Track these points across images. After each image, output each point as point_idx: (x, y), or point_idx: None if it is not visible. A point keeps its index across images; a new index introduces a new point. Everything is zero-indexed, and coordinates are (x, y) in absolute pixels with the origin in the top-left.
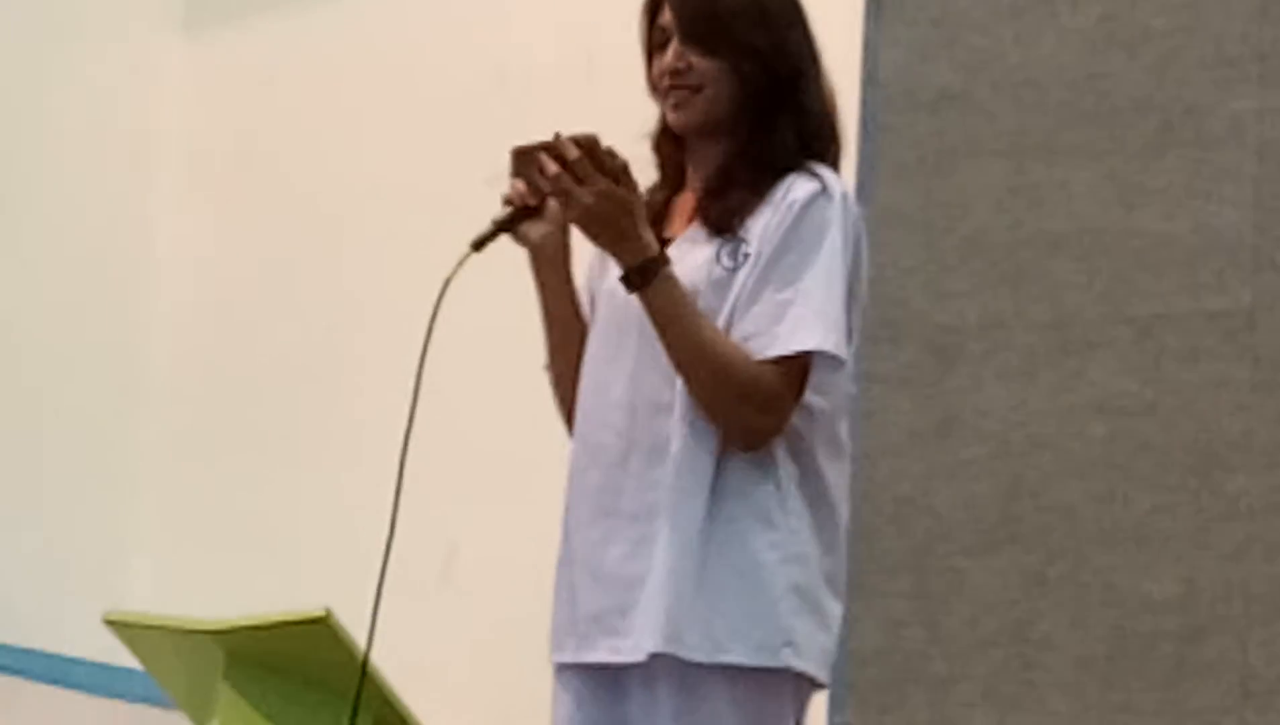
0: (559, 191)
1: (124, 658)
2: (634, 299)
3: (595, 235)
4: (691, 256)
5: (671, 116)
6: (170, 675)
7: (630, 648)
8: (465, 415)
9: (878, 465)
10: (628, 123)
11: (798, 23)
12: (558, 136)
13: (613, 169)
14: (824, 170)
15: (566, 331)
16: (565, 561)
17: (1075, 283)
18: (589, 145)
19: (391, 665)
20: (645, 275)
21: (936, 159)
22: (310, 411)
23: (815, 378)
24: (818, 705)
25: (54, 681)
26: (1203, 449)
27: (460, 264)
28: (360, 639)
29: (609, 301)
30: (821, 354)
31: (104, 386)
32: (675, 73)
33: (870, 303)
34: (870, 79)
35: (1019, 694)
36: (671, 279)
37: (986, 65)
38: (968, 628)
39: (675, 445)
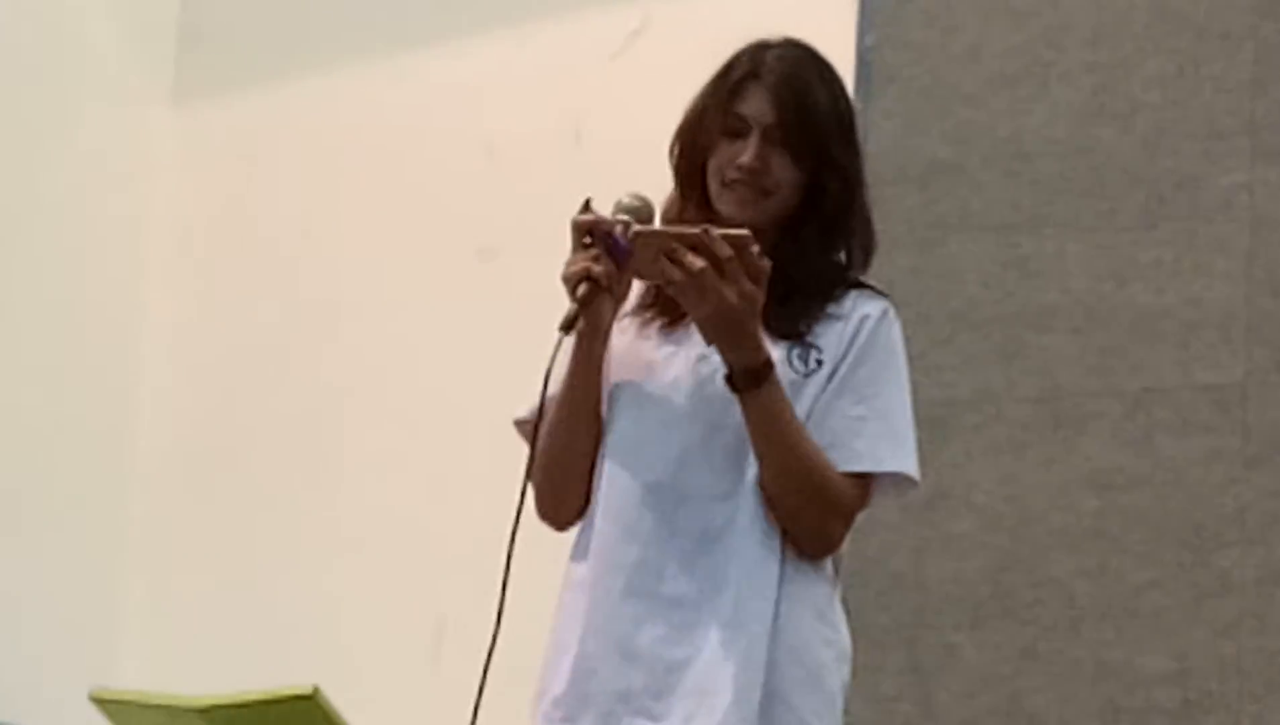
0: (699, 286)
1: None
2: (690, 388)
3: (722, 334)
4: None
5: (729, 210)
6: None
7: None
8: (452, 492)
9: (869, 540)
10: (614, 193)
11: (858, 145)
12: (706, 231)
13: (756, 272)
14: (882, 291)
15: (588, 405)
16: (587, 633)
17: (1067, 356)
18: (742, 245)
19: None
20: (758, 378)
21: (927, 232)
22: (299, 491)
23: (886, 497)
24: None
25: None
26: (1195, 523)
27: (558, 347)
28: (348, 716)
29: (651, 387)
30: (899, 476)
31: (91, 463)
32: (751, 171)
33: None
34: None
35: None
36: (778, 385)
37: (977, 138)
38: (960, 703)
39: (735, 540)
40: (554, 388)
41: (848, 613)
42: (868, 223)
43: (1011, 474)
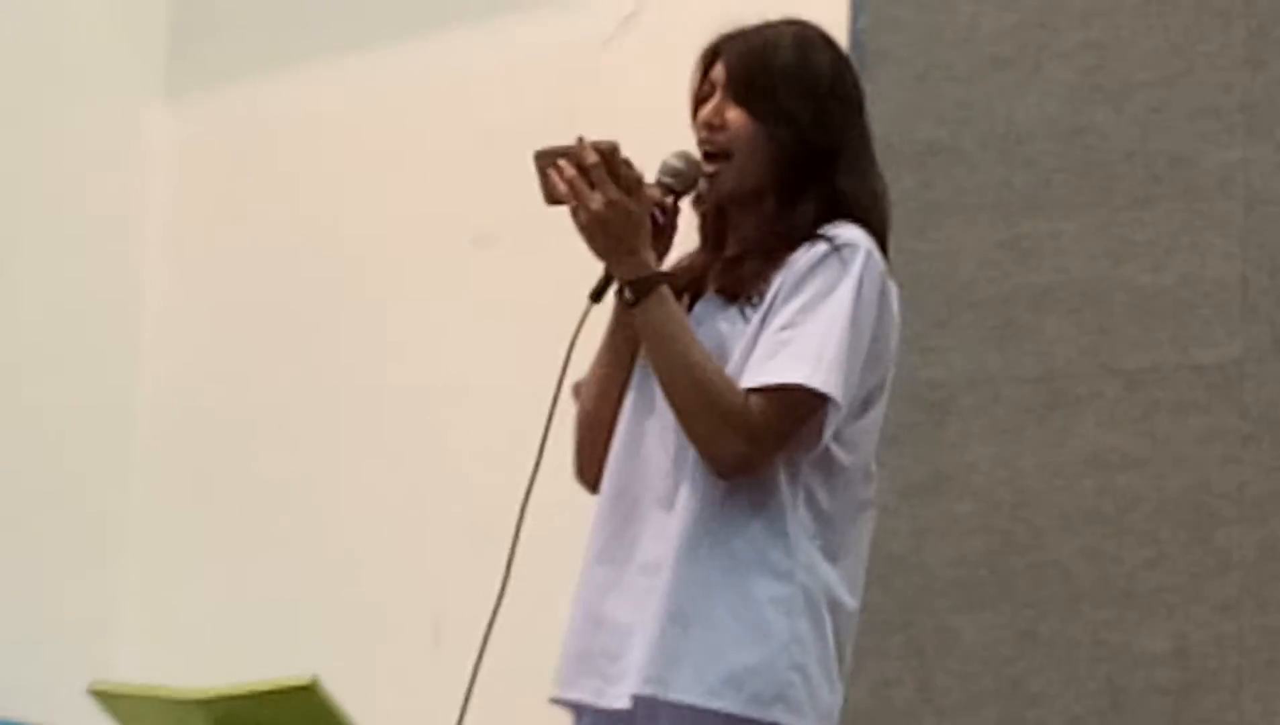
0: (571, 195)
1: None
2: None
3: (597, 244)
4: (712, 319)
5: (706, 189)
6: None
7: (616, 695)
8: (450, 479)
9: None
10: None
11: (848, 100)
12: (580, 140)
13: (627, 180)
14: (843, 228)
15: (619, 368)
16: (573, 599)
17: (1064, 336)
18: (607, 152)
19: None
20: (640, 291)
21: (922, 214)
22: (297, 483)
23: (820, 422)
24: None
25: None
26: (1194, 502)
27: (583, 319)
28: (347, 707)
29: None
30: (815, 392)
31: (90, 454)
32: (708, 126)
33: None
34: None
35: None
36: (668, 299)
37: (972, 119)
38: (960, 685)
39: (683, 504)
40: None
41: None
42: (852, 192)
43: (1010, 455)
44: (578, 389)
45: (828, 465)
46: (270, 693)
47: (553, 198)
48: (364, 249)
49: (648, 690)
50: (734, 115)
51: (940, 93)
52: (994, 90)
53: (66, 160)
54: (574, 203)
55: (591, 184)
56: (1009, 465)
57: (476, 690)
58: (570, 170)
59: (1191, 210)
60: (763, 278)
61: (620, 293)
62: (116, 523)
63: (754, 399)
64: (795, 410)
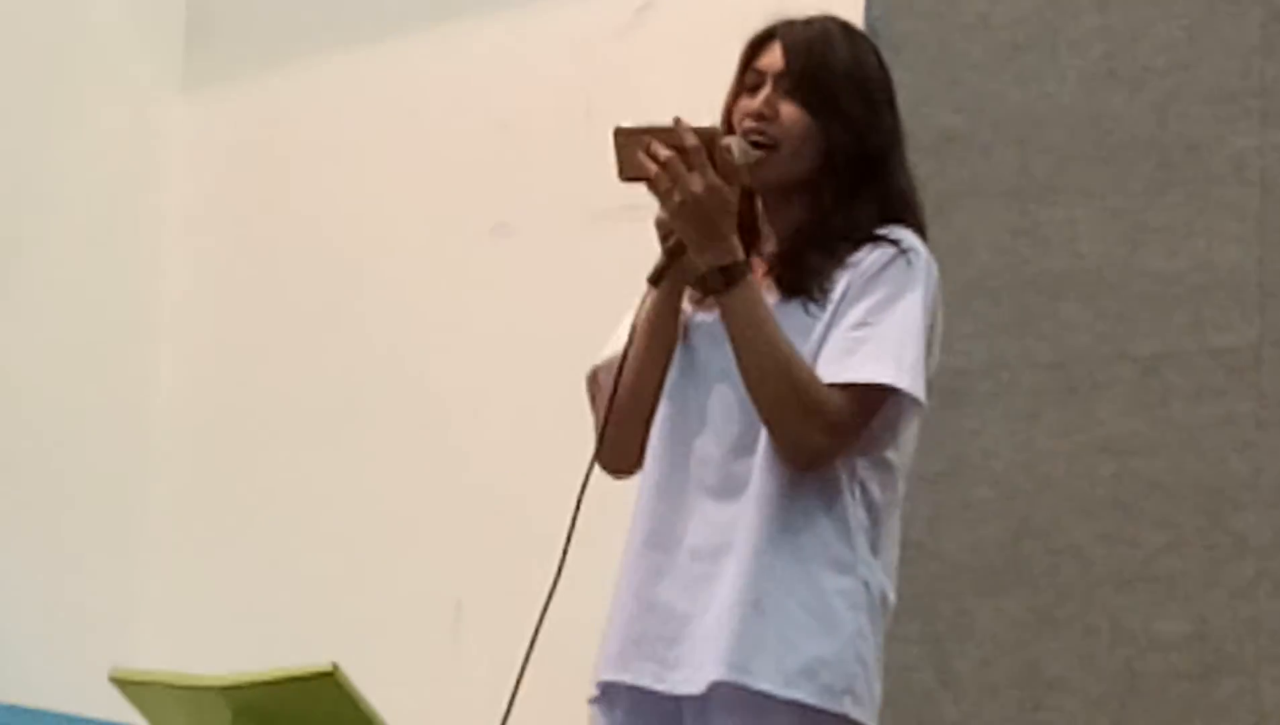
0: (669, 176)
1: (131, 715)
2: (712, 347)
3: (691, 229)
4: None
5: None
6: None
7: (682, 680)
8: (470, 467)
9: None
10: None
11: (891, 103)
12: (678, 122)
13: (725, 166)
14: (903, 232)
15: (664, 349)
16: (618, 585)
17: (1080, 323)
18: (709, 137)
19: (400, 720)
20: (731, 278)
21: (938, 201)
22: (317, 471)
23: (897, 423)
24: None
25: None
26: (1210, 487)
27: (644, 299)
28: (368, 694)
29: (698, 340)
30: (898, 394)
31: (111, 444)
32: (759, 117)
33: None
34: None
35: None
36: (755, 287)
37: (987, 106)
38: (978, 670)
39: (751, 494)
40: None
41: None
42: (901, 191)
43: (1026, 441)
44: (595, 375)
45: (882, 463)
46: (290, 680)
47: (632, 175)
48: (382, 240)
49: (732, 677)
50: (788, 109)
51: (956, 80)
52: (1009, 77)
53: (83, 155)
54: (668, 185)
55: (690, 167)
56: (1026, 451)
57: (498, 680)
58: (666, 151)
59: (1207, 196)
60: (825, 275)
61: (706, 279)
62: (137, 512)
63: (836, 394)
64: (877, 408)
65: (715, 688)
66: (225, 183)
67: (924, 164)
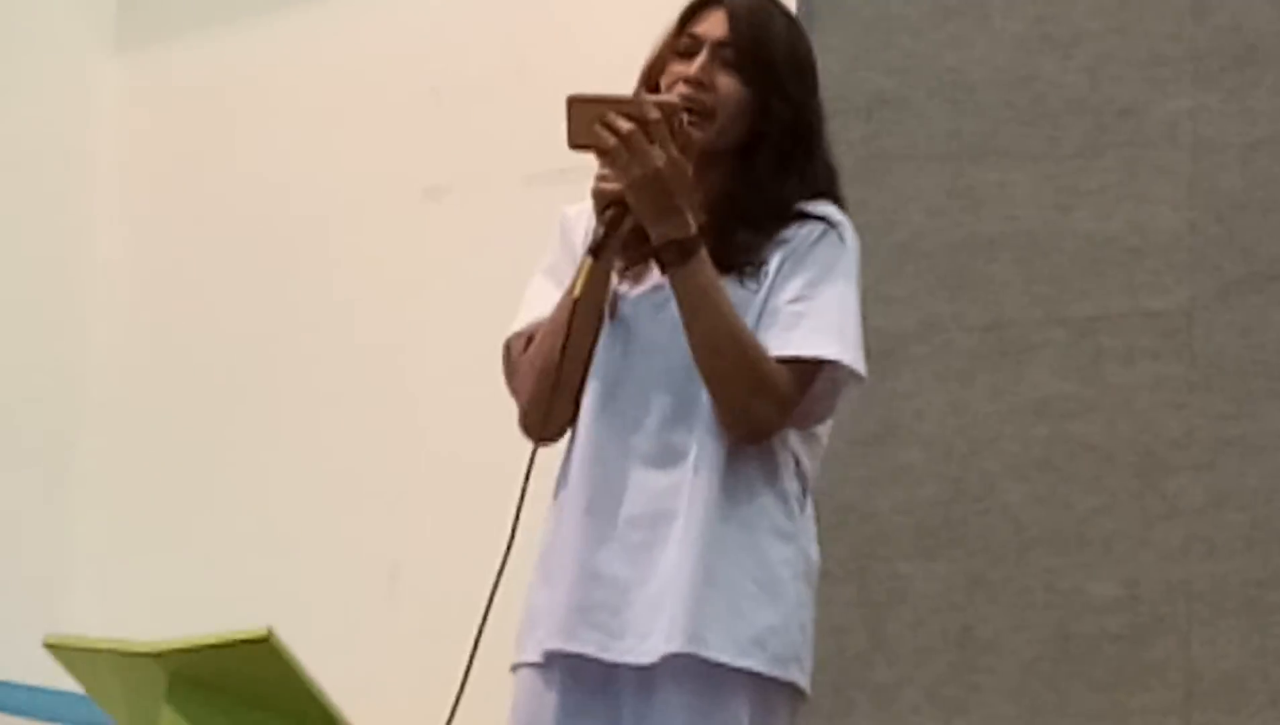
0: (628, 149)
1: (65, 681)
2: (646, 317)
3: (649, 202)
4: None
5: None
6: (112, 698)
7: (626, 649)
8: (406, 430)
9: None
10: (558, 130)
11: (817, 90)
12: (639, 95)
13: (685, 141)
14: (829, 208)
15: (595, 316)
16: (551, 553)
17: (1013, 285)
18: (669, 110)
19: (336, 684)
20: (685, 253)
21: (871, 164)
22: (251, 428)
23: (837, 397)
24: None
25: None
26: (1143, 449)
27: (582, 272)
28: (303, 658)
29: (630, 311)
30: (839, 368)
31: (42, 405)
32: (697, 84)
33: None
34: None
35: (964, 698)
36: (708, 262)
37: (920, 69)
38: (911, 633)
39: (690, 462)
40: (546, 306)
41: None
42: (827, 161)
43: (960, 403)
44: (517, 342)
45: (811, 436)
46: (226, 645)
47: (585, 144)
48: (316, 203)
49: (688, 648)
50: (725, 80)
51: (889, 42)
52: (942, 40)
53: (15, 115)
54: (626, 157)
55: (652, 140)
56: (959, 413)
57: (433, 644)
58: (626, 124)
59: (1139, 159)
60: (757, 249)
61: (661, 252)
62: (70, 475)
63: (783, 367)
64: (821, 382)
65: (666, 658)
66: (158, 144)
67: (857, 126)
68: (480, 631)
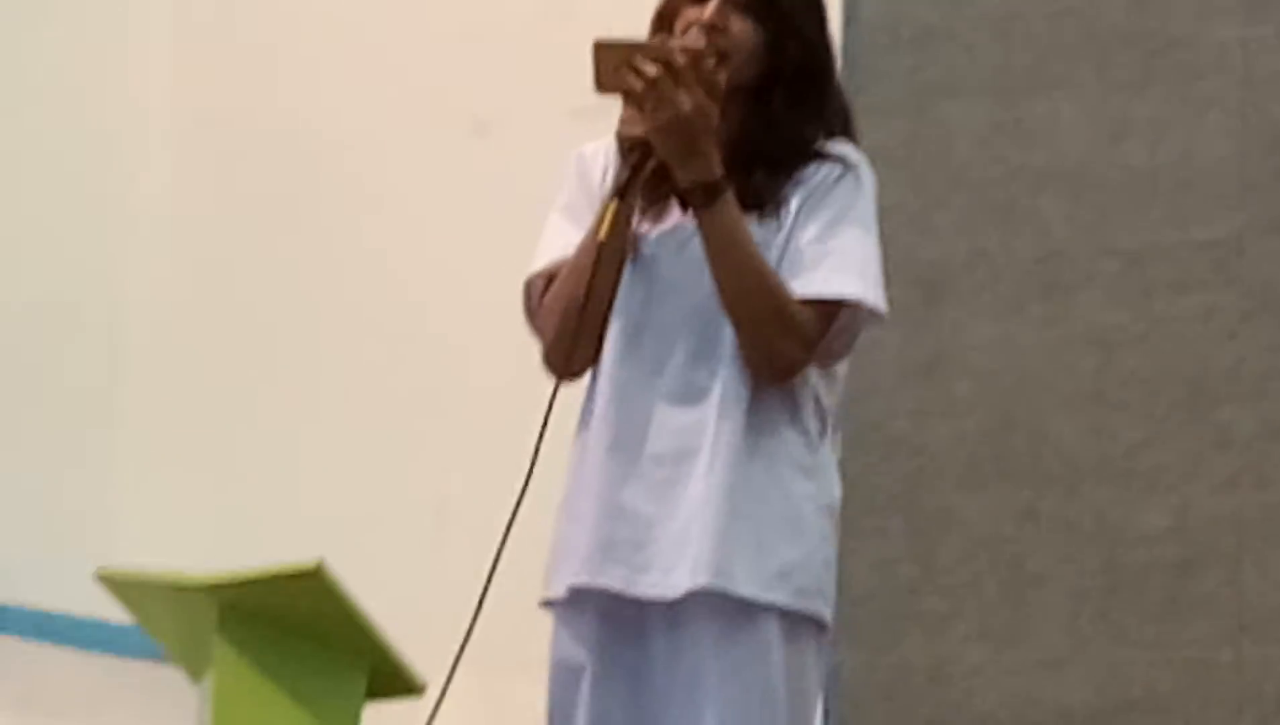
0: (655, 94)
1: (117, 613)
2: (668, 258)
3: (676, 145)
4: None
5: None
6: (164, 630)
7: (651, 584)
8: (450, 368)
9: (867, 404)
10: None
11: (826, 28)
12: (665, 39)
13: (712, 85)
14: (846, 148)
15: (620, 255)
16: (576, 491)
17: (1062, 216)
18: (695, 55)
19: (384, 617)
20: (711, 195)
21: (919, 96)
22: (297, 368)
23: (857, 336)
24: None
25: (46, 638)
26: (1193, 379)
27: (607, 215)
28: (351, 589)
29: (652, 251)
30: (861, 307)
31: (90, 342)
32: (712, 28)
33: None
34: (851, 18)
35: (1014, 629)
36: (733, 204)
37: (968, 1)
38: (961, 564)
39: (713, 399)
40: (566, 246)
41: (844, 475)
42: (841, 101)
43: (1009, 335)
44: (537, 283)
45: (831, 374)
46: (276, 577)
47: (613, 88)
48: (360, 138)
49: (716, 583)
50: (739, 22)
51: None
52: None
53: (60, 49)
54: (655, 101)
55: (679, 84)
56: (1008, 345)
57: (480, 578)
58: (654, 68)
59: (1189, 89)
60: (776, 189)
61: (688, 193)
62: (119, 414)
63: (807, 306)
64: (842, 320)
65: (693, 593)
66: (201, 81)
67: (906, 60)
68: (495, 566)
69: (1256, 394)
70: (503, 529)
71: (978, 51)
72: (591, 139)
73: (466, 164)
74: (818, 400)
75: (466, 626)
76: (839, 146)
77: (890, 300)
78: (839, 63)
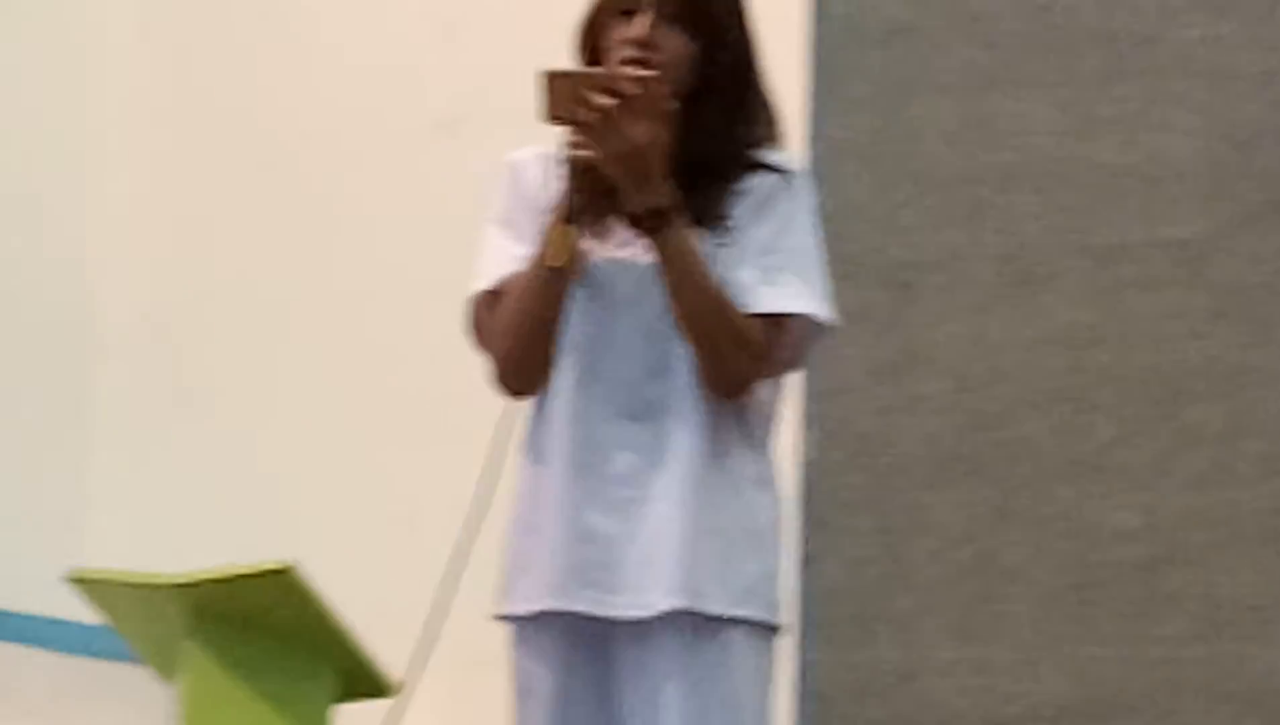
0: (609, 125)
1: (88, 614)
2: (615, 273)
3: (629, 174)
4: None
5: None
6: (135, 631)
7: (623, 604)
8: (424, 370)
9: (837, 402)
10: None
11: (750, 26)
12: (616, 69)
13: (662, 113)
14: (782, 155)
15: (569, 284)
16: (534, 508)
17: (1030, 214)
18: (648, 85)
19: (356, 615)
20: (665, 220)
21: (888, 93)
22: (272, 362)
23: (809, 348)
24: (784, 645)
25: (16, 639)
26: (1162, 378)
27: (556, 240)
28: (323, 590)
29: (602, 270)
30: (812, 321)
31: (60, 339)
32: (641, 44)
33: (824, 238)
34: (820, 13)
35: (985, 627)
36: (686, 227)
37: None
38: (931, 562)
39: (671, 416)
40: (508, 262)
41: (814, 474)
42: (767, 100)
43: (978, 333)
44: (482, 300)
45: (775, 382)
46: (247, 577)
47: (563, 118)
48: (333, 135)
49: (687, 603)
50: (670, 37)
51: None
52: None
53: (26, 25)
54: (605, 132)
55: (634, 116)
56: (977, 343)
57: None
58: (607, 100)
59: (1156, 87)
60: (717, 202)
61: (640, 219)
62: (89, 409)
63: (756, 321)
64: (794, 334)
65: (664, 613)
66: (170, 73)
67: (874, 56)
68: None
69: (1225, 392)
70: (477, 535)
71: (946, 48)
72: (562, 139)
73: (437, 164)
74: (764, 409)
75: (435, 628)
76: (774, 155)
77: (859, 298)
78: (811, 61)
